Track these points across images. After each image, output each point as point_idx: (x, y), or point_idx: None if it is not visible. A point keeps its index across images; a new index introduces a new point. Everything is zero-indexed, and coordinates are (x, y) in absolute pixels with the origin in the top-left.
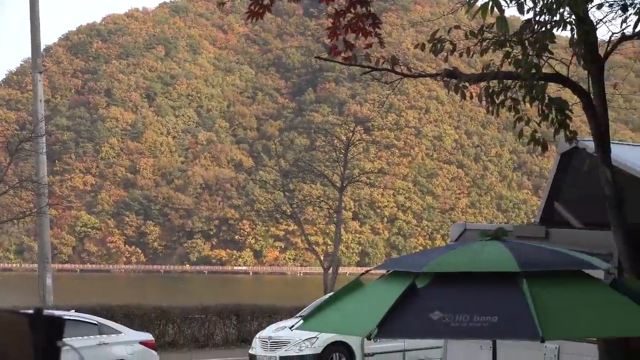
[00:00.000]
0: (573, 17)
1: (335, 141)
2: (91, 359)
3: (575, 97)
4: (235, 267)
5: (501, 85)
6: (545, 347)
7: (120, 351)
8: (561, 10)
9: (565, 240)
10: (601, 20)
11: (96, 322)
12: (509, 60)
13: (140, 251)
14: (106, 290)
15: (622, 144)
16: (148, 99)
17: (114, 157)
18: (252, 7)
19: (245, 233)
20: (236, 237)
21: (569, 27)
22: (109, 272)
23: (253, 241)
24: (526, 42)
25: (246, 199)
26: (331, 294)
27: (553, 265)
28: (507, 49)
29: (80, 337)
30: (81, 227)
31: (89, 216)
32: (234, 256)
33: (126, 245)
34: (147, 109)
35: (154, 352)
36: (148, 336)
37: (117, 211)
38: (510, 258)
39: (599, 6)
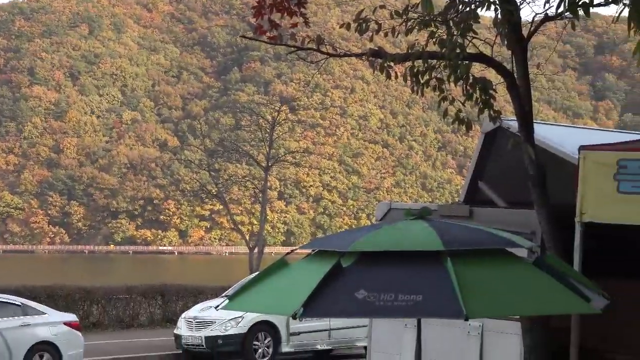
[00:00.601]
0: None
1: (261, 121)
2: (14, 340)
3: (499, 77)
4: (161, 247)
5: (426, 65)
6: (469, 324)
7: (44, 332)
8: None
9: (489, 219)
10: (525, 0)
11: (19, 303)
12: (434, 40)
13: (64, 231)
14: (30, 271)
15: (545, 123)
16: (72, 78)
17: (37, 137)
18: None
19: (171, 213)
20: (161, 217)
21: (492, 7)
22: (32, 253)
23: (178, 221)
24: (450, 22)
25: (171, 178)
26: (256, 273)
27: (477, 244)
28: (431, 28)
29: (3, 319)
30: (4, 207)
31: (11, 196)
32: (159, 236)
33: (50, 226)
34: (70, 88)
35: (78, 333)
36: (72, 317)
37: (40, 191)
38: (434, 237)
39: None
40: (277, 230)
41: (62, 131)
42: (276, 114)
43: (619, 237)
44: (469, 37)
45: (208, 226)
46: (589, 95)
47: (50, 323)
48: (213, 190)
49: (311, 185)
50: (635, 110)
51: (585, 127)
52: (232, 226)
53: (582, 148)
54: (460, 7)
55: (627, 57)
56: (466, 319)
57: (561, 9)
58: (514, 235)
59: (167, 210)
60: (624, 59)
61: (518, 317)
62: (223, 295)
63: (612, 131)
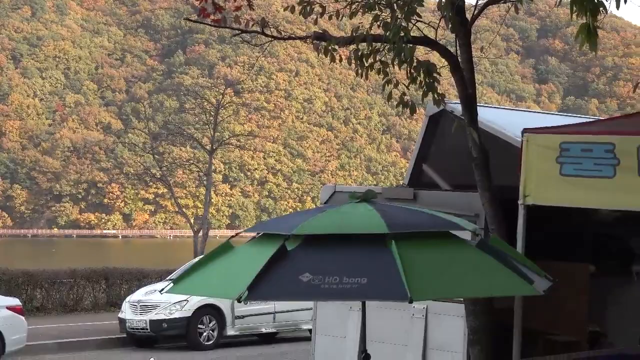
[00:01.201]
0: None
1: (205, 104)
2: None
3: (443, 60)
4: (105, 231)
5: (370, 48)
6: (414, 307)
7: None
8: None
9: (433, 202)
10: None
11: None
12: (378, 23)
13: (6, 215)
14: None
15: (489, 106)
16: (14, 61)
17: None
18: None
19: (115, 196)
20: (105, 200)
21: None
22: None
23: (122, 204)
24: (395, 5)
25: (115, 162)
26: (201, 257)
27: (421, 227)
28: (376, 12)
29: None
30: None
31: None
32: (103, 220)
33: None
34: (12, 70)
35: (21, 317)
36: (15, 301)
37: None
38: (379, 220)
39: None
40: (221, 214)
41: (4, 114)
42: (220, 97)
43: (561, 219)
44: (413, 21)
45: (152, 210)
46: (532, 78)
47: None
48: (157, 174)
49: (256, 169)
50: (577, 93)
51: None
52: (177, 209)
53: (525, 131)
54: None
55: (570, 40)
56: (410, 302)
57: None
58: (457, 218)
59: (111, 194)
60: (566, 42)
61: (462, 299)
62: (168, 278)
63: (555, 114)
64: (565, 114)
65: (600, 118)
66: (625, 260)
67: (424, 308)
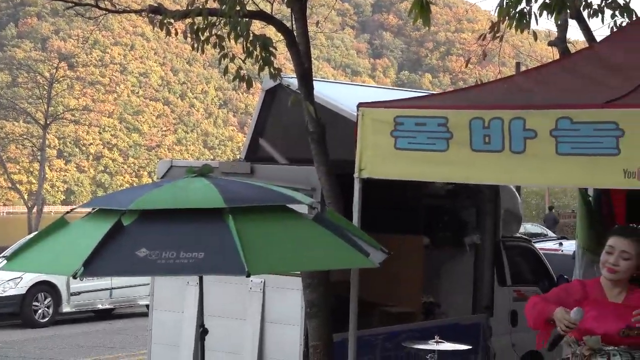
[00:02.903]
0: None
1: (39, 78)
2: None
3: (280, 34)
4: None
5: (206, 22)
6: (251, 281)
7: None
8: None
9: (270, 176)
10: None
11: None
12: None
13: None
14: None
15: (325, 81)
16: None
17: None
18: None
19: None
20: None
21: None
22: None
23: None
24: None
25: None
26: (36, 233)
27: (258, 201)
28: None
29: None
30: None
31: None
32: None
33: None
34: None
35: None
36: None
37: None
38: (215, 194)
39: None
40: (56, 189)
41: None
42: (54, 70)
43: (397, 193)
44: None
45: None
46: (367, 53)
47: None
48: None
49: (91, 144)
50: (411, 68)
51: (364, 84)
52: (10, 185)
53: (360, 105)
54: None
55: (404, 16)
56: (248, 276)
57: None
58: (294, 192)
59: None
60: (400, 17)
61: (299, 272)
62: (1, 255)
63: (389, 88)
64: (399, 88)
65: (434, 92)
66: (458, 232)
67: (261, 282)
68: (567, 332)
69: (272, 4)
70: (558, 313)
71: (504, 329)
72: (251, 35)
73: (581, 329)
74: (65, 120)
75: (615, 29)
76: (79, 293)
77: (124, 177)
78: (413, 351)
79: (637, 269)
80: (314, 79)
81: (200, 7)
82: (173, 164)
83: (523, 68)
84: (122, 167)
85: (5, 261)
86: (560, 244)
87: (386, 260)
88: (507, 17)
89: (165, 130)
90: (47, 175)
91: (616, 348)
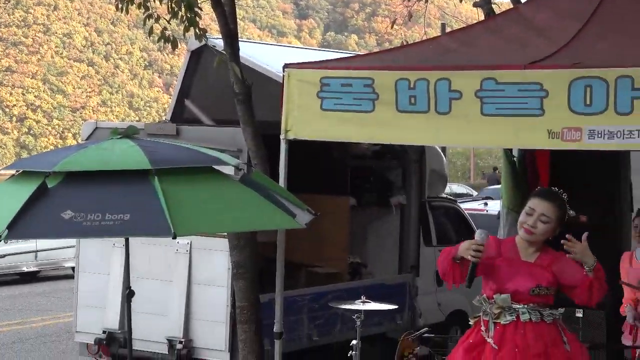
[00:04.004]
0: None
1: None
2: None
3: None
4: None
5: None
6: (178, 242)
7: None
8: None
9: (196, 137)
10: None
11: None
12: None
13: None
14: None
15: (251, 42)
16: None
17: None
18: None
19: None
20: None
21: None
22: None
23: None
24: None
25: None
26: None
27: (184, 162)
28: None
29: None
30: None
31: None
32: None
33: None
34: None
35: None
36: None
37: None
38: (141, 156)
39: None
40: None
41: None
42: None
43: (323, 153)
44: None
45: None
46: (293, 14)
47: None
48: None
49: (14, 105)
50: (337, 29)
51: (290, 45)
52: None
53: (286, 66)
54: None
55: None
56: (174, 237)
57: None
58: (220, 153)
59: None
60: None
61: (226, 234)
62: None
63: (316, 49)
64: (325, 49)
65: (360, 53)
66: (384, 192)
67: (188, 243)
68: (477, 258)
69: None
70: (463, 244)
71: (429, 288)
72: None
73: (493, 287)
74: None
75: None
76: (4, 256)
77: (49, 139)
78: (340, 311)
79: (554, 232)
80: (239, 39)
81: None
82: (98, 126)
83: (448, 29)
84: (47, 128)
85: None
86: (485, 204)
87: (313, 221)
88: None
89: (90, 92)
90: None
91: (525, 306)
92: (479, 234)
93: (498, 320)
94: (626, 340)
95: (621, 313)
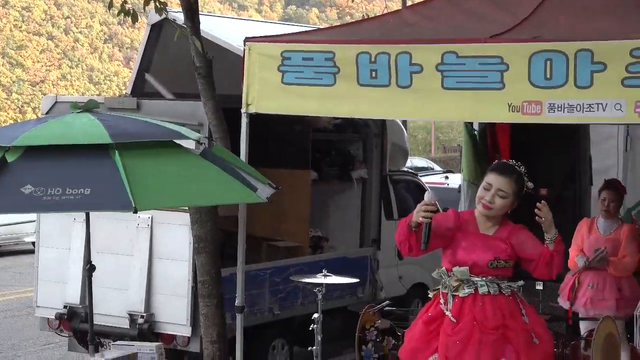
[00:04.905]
0: None
1: None
2: None
3: None
4: None
5: None
6: (139, 217)
7: None
8: None
9: (157, 111)
10: None
11: None
12: None
13: None
14: None
15: (212, 15)
16: None
17: None
18: None
19: None
20: None
21: None
22: None
23: None
24: None
25: None
26: None
27: (145, 136)
28: None
29: None
30: None
31: None
32: None
33: None
34: None
35: None
36: None
37: None
38: (101, 130)
39: None
40: None
41: None
42: None
43: (284, 127)
44: None
45: None
46: None
47: None
48: None
49: None
50: (298, 2)
51: (251, 19)
52: None
53: (247, 40)
54: None
55: None
56: (135, 212)
57: None
58: (181, 127)
59: None
60: None
61: (187, 208)
62: None
63: (277, 23)
64: (286, 22)
65: (321, 27)
66: (345, 166)
67: (149, 218)
68: (429, 218)
69: None
70: (415, 208)
71: (391, 262)
72: None
73: (451, 260)
74: None
75: None
76: None
77: (8, 114)
78: (301, 285)
79: (511, 206)
80: (200, 13)
81: None
82: (58, 100)
83: (409, 3)
84: (6, 103)
85: None
86: (446, 177)
87: (274, 195)
88: None
89: (49, 66)
90: None
91: (483, 279)
92: (427, 195)
93: (457, 293)
94: (562, 302)
95: (570, 267)
